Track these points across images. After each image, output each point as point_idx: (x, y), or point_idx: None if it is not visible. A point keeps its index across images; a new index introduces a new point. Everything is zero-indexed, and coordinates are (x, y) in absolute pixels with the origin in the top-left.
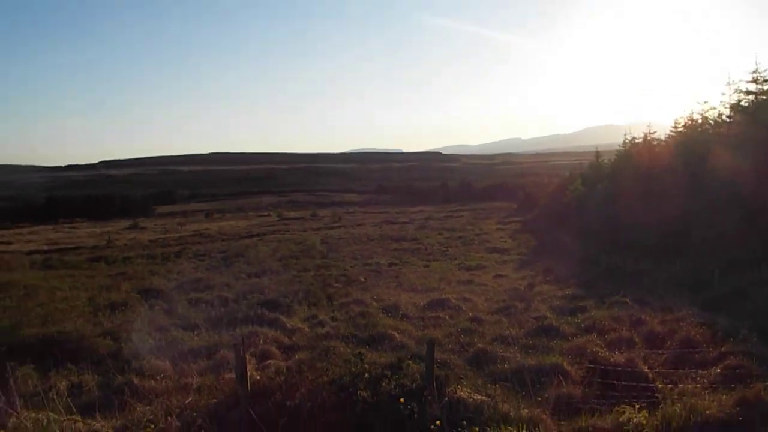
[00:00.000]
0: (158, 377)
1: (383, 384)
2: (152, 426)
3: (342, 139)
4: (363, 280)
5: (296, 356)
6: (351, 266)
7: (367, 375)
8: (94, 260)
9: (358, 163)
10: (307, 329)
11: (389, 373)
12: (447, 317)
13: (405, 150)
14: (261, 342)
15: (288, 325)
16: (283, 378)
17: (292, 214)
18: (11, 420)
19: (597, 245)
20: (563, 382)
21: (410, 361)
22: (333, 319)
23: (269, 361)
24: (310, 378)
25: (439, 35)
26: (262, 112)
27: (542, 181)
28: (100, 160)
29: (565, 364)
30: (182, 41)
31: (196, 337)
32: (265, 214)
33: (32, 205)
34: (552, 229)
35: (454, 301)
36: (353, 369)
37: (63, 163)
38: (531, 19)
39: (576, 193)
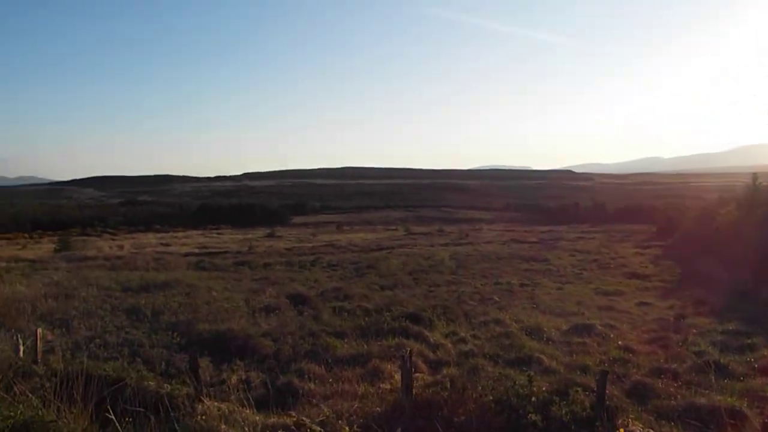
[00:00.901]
0: (316, 380)
1: (553, 409)
2: (323, 428)
3: (468, 155)
4: (497, 299)
5: (444, 371)
6: (482, 284)
7: (534, 398)
8: (239, 264)
9: (485, 179)
10: (449, 345)
11: (557, 398)
12: (594, 344)
13: (533, 167)
14: (407, 355)
15: (431, 339)
16: (447, 393)
17: (419, 229)
18: (200, 407)
19: (754, 277)
20: (742, 428)
21: (578, 388)
22: (474, 337)
23: (416, 375)
24: (474, 395)
25: (566, 47)
26: (391, 129)
27: (684, 204)
28: (243, 172)
29: (743, 407)
30: (317, 65)
31: (346, 345)
32: (393, 228)
33: (186, 211)
34: (697, 256)
35: (599, 327)
36: (521, 391)
37: (212, 174)
38: (665, 28)
39: (728, 219)
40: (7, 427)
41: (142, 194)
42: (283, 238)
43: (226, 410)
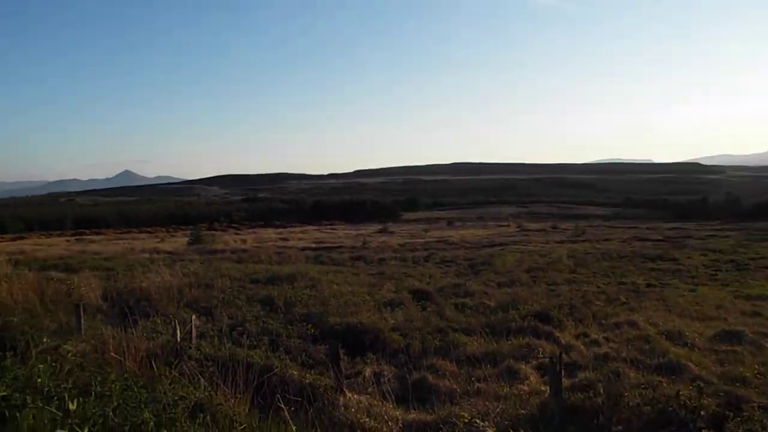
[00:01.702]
0: (449, 377)
1: (728, 425)
2: (467, 428)
3: (585, 148)
4: (624, 300)
5: (580, 375)
6: (604, 284)
7: (703, 412)
8: (355, 259)
9: (603, 174)
10: (582, 347)
11: (730, 413)
12: (747, 353)
13: (655, 160)
14: (540, 355)
15: (562, 340)
16: (601, 399)
17: (533, 226)
18: (341, 398)
19: None
20: None
21: (753, 404)
22: (607, 339)
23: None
24: (630, 404)
25: (692, 35)
26: (504, 123)
27: None
28: (355, 169)
29: None
30: (427, 61)
31: (475, 342)
32: (505, 224)
33: (302, 208)
34: None
35: (750, 335)
36: (690, 403)
37: (325, 172)
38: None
39: None
40: (187, 407)
41: (262, 191)
42: (395, 234)
43: (367, 403)
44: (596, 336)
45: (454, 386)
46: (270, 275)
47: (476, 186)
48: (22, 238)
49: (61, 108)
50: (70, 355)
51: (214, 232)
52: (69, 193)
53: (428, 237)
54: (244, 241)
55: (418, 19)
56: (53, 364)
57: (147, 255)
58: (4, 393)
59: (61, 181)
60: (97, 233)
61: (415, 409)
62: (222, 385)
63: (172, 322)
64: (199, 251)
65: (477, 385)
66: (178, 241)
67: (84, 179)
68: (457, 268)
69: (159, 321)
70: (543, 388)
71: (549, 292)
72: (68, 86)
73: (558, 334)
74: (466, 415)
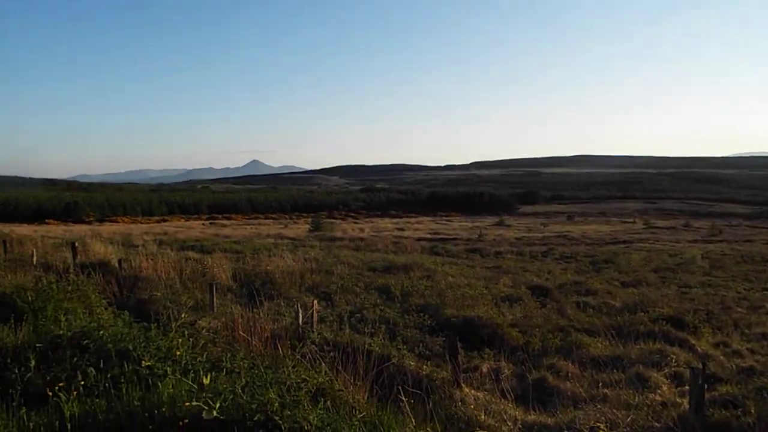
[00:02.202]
0: (572, 380)
1: None
2: None
3: (722, 140)
4: None
5: (721, 389)
6: (746, 289)
7: None
8: (470, 251)
9: (743, 168)
10: (721, 357)
11: None
12: None
13: None
14: (673, 363)
15: (698, 349)
16: (752, 420)
17: (661, 223)
18: (458, 393)
19: None
20: None
21: None
22: (751, 351)
23: (684, 388)
24: None
25: None
26: (627, 113)
27: None
28: (473, 161)
29: None
30: (549, 49)
31: (599, 344)
32: (630, 220)
33: (418, 198)
34: None
35: None
36: None
37: (442, 164)
38: None
39: None
40: (309, 390)
41: (379, 182)
42: (512, 228)
43: (484, 399)
44: (739, 346)
45: (578, 389)
46: (386, 264)
47: (599, 180)
48: (165, 220)
49: (199, 102)
50: (204, 330)
51: (333, 220)
52: (204, 180)
53: (547, 231)
54: (361, 230)
55: (548, 8)
56: (190, 338)
57: (272, 240)
58: (149, 363)
59: (198, 170)
60: (228, 218)
61: (535, 410)
62: (342, 372)
63: (295, 306)
64: (319, 238)
65: (603, 390)
66: (300, 227)
67: (218, 168)
68: (578, 264)
69: (282, 303)
70: (678, 400)
71: (681, 295)
72: (206, 82)
73: (693, 342)
74: (596, 420)
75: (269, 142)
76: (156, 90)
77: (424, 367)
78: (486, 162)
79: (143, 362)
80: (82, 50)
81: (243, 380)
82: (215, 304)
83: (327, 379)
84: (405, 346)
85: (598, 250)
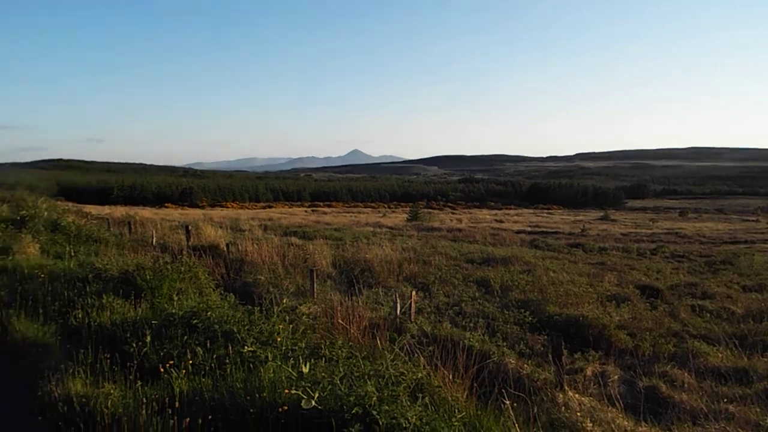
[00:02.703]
0: (687, 391)
1: None
2: None
3: None
4: None
5: None
6: None
7: None
8: (573, 246)
9: None
10: None
11: None
12: None
13: None
14: None
15: None
16: None
17: None
18: (561, 396)
19: None
20: None
21: None
22: None
23: None
24: None
25: None
26: (748, 101)
27: None
28: (577, 152)
29: None
30: (656, 35)
31: (719, 354)
32: (752, 219)
33: (518, 190)
34: None
35: None
36: None
37: (544, 155)
38: None
39: None
40: (408, 385)
41: (478, 173)
42: (617, 222)
43: (590, 405)
44: None
45: (696, 403)
46: (485, 256)
47: (716, 173)
48: (270, 206)
49: (304, 93)
50: (304, 316)
51: (431, 210)
52: (307, 169)
53: (656, 228)
54: (459, 221)
55: None
56: (291, 323)
57: (370, 228)
58: (252, 349)
59: (301, 159)
60: (329, 206)
61: (646, 423)
62: (441, 367)
63: (393, 296)
64: (417, 228)
65: (726, 405)
66: (398, 217)
67: (320, 157)
68: (691, 264)
69: (380, 292)
70: None
71: None
72: (310, 74)
73: None
74: None
75: (370, 132)
76: (264, 83)
77: (525, 366)
78: (591, 153)
79: (246, 346)
80: (189, 52)
81: (341, 370)
82: (315, 290)
83: (426, 374)
84: (505, 343)
85: (715, 250)
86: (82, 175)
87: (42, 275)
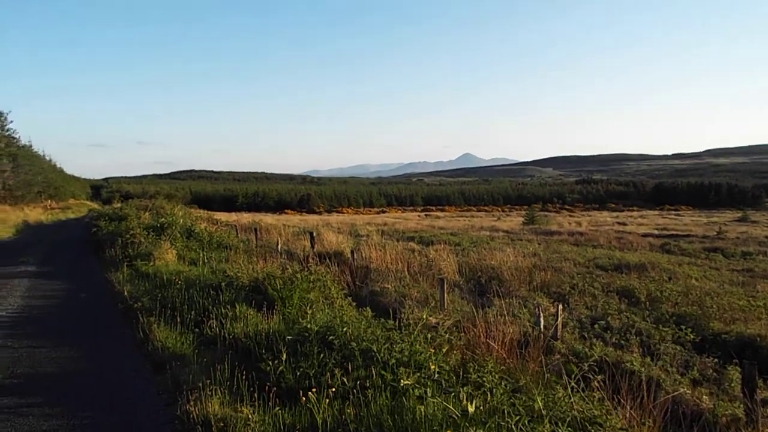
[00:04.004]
0: None
1: None
2: None
3: None
4: None
5: None
6: None
7: None
8: (710, 251)
9: None
10: None
11: None
12: None
13: None
14: None
15: None
16: None
17: None
18: None
19: None
20: None
21: None
22: None
23: None
24: None
25: None
26: None
27: None
28: (706, 148)
29: None
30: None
31: None
32: None
33: (641, 190)
34: None
35: None
36: None
37: (669, 152)
38: None
39: None
40: (576, 426)
41: (596, 173)
42: (759, 224)
43: None
44: None
45: None
46: (615, 262)
47: None
48: (384, 211)
49: (414, 99)
50: (441, 330)
51: (547, 213)
52: (419, 174)
53: None
54: (578, 224)
55: None
56: (431, 342)
57: (486, 233)
58: (409, 382)
59: (413, 164)
60: (442, 210)
61: None
62: (624, 403)
63: (530, 307)
64: (534, 231)
65: None
66: (513, 220)
67: (431, 161)
68: None
69: (514, 303)
70: None
71: None
72: (422, 80)
73: None
74: None
75: (481, 135)
76: (375, 92)
77: (704, 398)
78: (723, 149)
79: (388, 369)
80: (303, 66)
81: (505, 405)
82: (446, 300)
83: (604, 411)
84: (673, 368)
85: None
86: (211, 184)
87: (179, 282)
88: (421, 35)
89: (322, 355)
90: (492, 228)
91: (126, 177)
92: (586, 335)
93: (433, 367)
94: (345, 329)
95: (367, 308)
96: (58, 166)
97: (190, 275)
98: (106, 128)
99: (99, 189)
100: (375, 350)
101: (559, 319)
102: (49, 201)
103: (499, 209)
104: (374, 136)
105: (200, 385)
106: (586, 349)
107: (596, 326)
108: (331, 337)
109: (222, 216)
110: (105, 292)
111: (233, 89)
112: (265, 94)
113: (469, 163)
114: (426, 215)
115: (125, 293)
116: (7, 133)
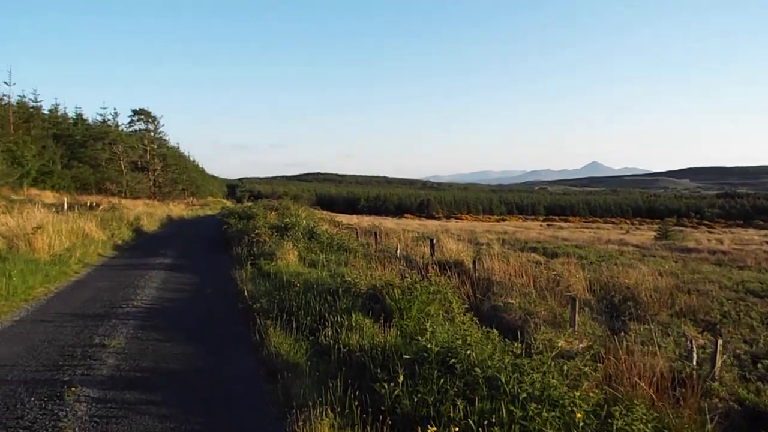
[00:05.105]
0: None
1: None
2: None
3: None
4: None
5: None
6: None
7: None
8: None
9: None
10: None
11: None
12: None
13: None
14: None
15: None
16: None
17: None
18: None
19: None
20: None
21: None
22: None
23: None
24: None
25: None
26: None
27: None
28: None
29: None
30: None
31: None
32: None
33: None
34: None
35: None
36: None
37: None
38: None
39: None
40: None
41: (740, 186)
42: None
43: None
44: None
45: None
46: None
47: None
48: (503, 219)
49: (538, 105)
50: (579, 360)
51: (682, 228)
52: (542, 182)
53: None
54: (719, 242)
55: None
56: (562, 367)
57: (615, 246)
58: (534, 413)
59: (536, 171)
60: (565, 220)
61: None
62: None
63: (687, 342)
64: (669, 248)
65: None
66: (644, 234)
67: (555, 170)
68: None
69: (655, 330)
70: None
71: None
72: (545, 86)
73: None
74: None
75: (609, 142)
76: (495, 97)
77: None
78: None
79: (516, 403)
80: (429, 74)
81: None
82: (576, 321)
83: None
84: None
85: None
86: (334, 186)
87: (297, 284)
88: (555, 47)
89: (442, 381)
90: (620, 241)
91: (258, 177)
92: (747, 376)
93: (555, 392)
94: (469, 352)
95: (493, 329)
96: (200, 166)
97: (309, 278)
98: (246, 131)
99: (234, 188)
100: (503, 380)
101: (719, 356)
102: (191, 198)
103: (628, 222)
104: (496, 143)
105: (311, 403)
106: (752, 395)
107: (759, 366)
108: (452, 360)
109: (343, 218)
110: (228, 289)
111: (361, 95)
112: (391, 99)
113: (596, 172)
114: (548, 225)
115: (245, 293)
116: (158, 136)
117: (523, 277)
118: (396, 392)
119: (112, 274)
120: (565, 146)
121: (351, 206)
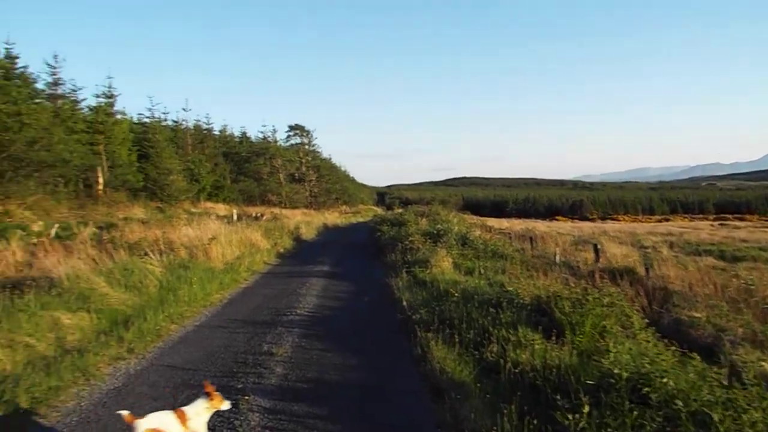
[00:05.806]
0: None
1: None
2: None
3: None
4: None
5: None
6: None
7: None
8: None
9: None
10: None
11: None
12: None
13: None
14: None
15: None
16: None
17: None
18: None
19: None
20: None
21: None
22: None
23: None
24: None
25: None
26: None
27: None
28: None
29: None
30: None
31: None
32: None
33: None
34: None
35: None
36: None
37: None
38: None
39: None
40: None
41: None
42: None
43: None
44: None
45: None
46: None
47: None
48: (667, 219)
49: (703, 95)
50: None
51: None
52: (709, 177)
53: None
54: None
55: None
56: None
57: None
58: None
59: (701, 166)
60: (741, 219)
61: None
62: None
63: None
64: None
65: None
66: None
67: (725, 163)
68: None
69: None
70: None
71: None
72: (713, 69)
73: None
74: None
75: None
76: (653, 87)
77: None
78: None
79: None
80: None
81: None
82: None
83: None
84: None
85: None
86: (481, 190)
87: (455, 294)
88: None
89: (635, 413)
90: None
91: (405, 184)
92: None
93: None
94: (666, 380)
95: (695, 356)
96: (350, 175)
97: (466, 286)
98: (392, 138)
99: (383, 195)
100: (715, 419)
101: None
102: (344, 206)
103: None
104: (656, 136)
105: (484, 430)
106: None
107: None
108: (646, 389)
109: (493, 222)
110: (384, 297)
111: (504, 100)
112: (538, 101)
113: None
114: (721, 224)
115: (404, 302)
116: (312, 148)
117: (707, 285)
118: (581, 424)
119: (276, 281)
120: (738, 136)
121: (499, 210)
